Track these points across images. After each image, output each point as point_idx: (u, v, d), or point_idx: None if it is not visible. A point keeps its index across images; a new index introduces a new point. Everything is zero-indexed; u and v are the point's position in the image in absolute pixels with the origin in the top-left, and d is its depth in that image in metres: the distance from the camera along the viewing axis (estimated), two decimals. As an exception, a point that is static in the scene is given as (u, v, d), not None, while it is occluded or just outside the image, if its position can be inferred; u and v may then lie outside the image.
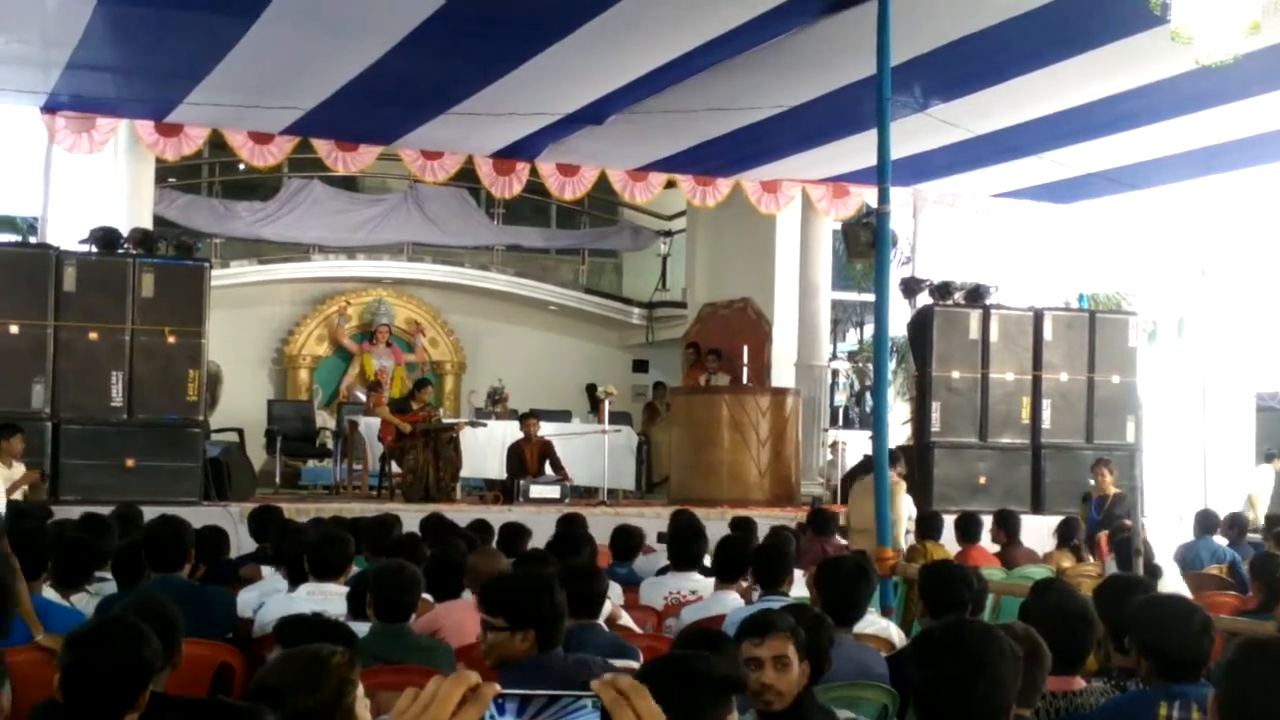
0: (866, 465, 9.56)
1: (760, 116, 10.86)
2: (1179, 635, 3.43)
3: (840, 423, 15.60)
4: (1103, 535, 8.83)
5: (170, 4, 8.77)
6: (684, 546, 6.64)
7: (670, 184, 13.42)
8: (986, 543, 8.75)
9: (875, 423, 7.74)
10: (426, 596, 5.07)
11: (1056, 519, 9.95)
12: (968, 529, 8.60)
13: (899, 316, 11.80)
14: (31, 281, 10.20)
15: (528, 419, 12.62)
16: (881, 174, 7.41)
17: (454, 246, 17.68)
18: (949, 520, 8.91)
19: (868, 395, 15.68)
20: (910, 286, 12.56)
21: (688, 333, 15.72)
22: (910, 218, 13.92)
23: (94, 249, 10.49)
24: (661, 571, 6.66)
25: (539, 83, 9.98)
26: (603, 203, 17.81)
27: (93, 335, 10.29)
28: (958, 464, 12.16)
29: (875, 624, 5.17)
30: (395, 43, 9.15)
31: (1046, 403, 12.42)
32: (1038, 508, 11.98)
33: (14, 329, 10.16)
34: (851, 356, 17.85)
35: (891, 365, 11.37)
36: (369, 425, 12.73)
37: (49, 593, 5.06)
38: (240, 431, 12.66)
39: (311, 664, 2.79)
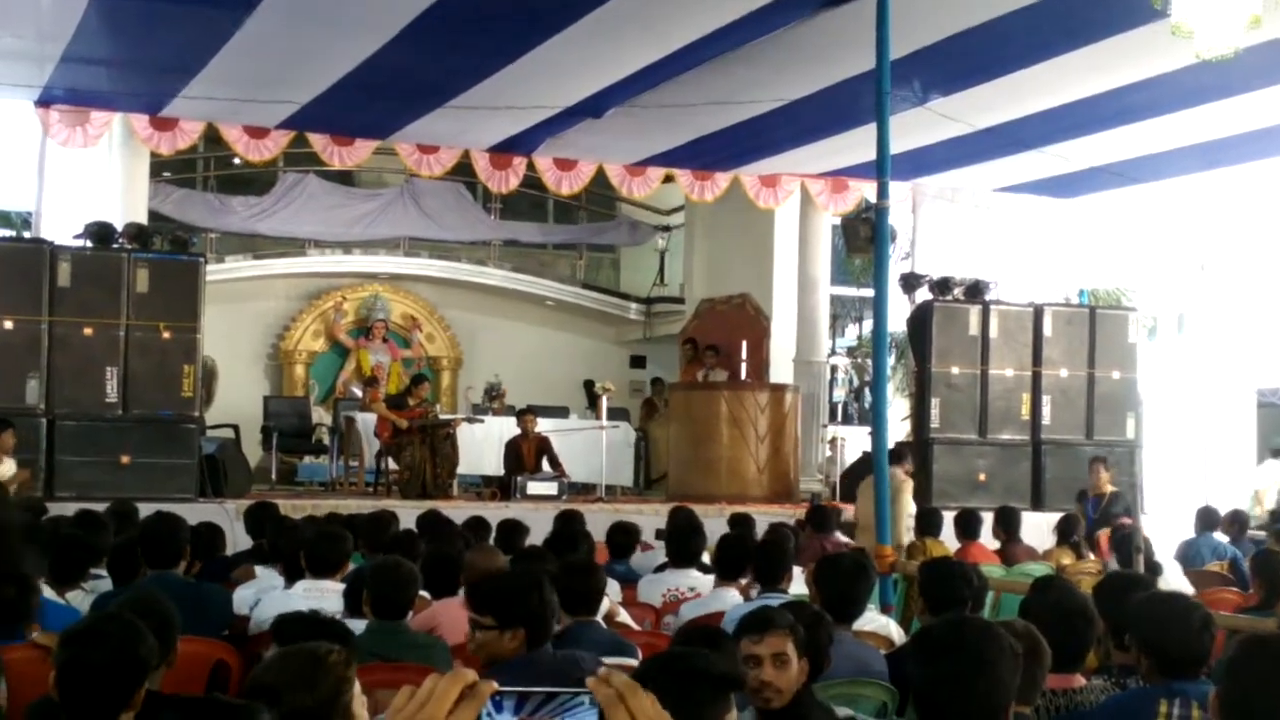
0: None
1: (759, 111, 10.83)
2: (1179, 632, 3.42)
3: (839, 419, 15.58)
4: (1103, 533, 8.83)
5: (165, -3, 8.76)
6: (682, 543, 6.63)
7: (668, 178, 13.39)
8: (986, 539, 8.73)
9: (874, 419, 7.73)
10: (423, 593, 5.05)
11: (1056, 516, 9.92)
12: (967, 526, 8.58)
13: (898, 312, 11.77)
14: (26, 276, 10.14)
15: (525, 415, 12.58)
16: (881, 168, 7.40)
17: (450, 241, 17.65)
18: (948, 517, 8.90)
19: (867, 391, 15.65)
20: (910, 282, 12.53)
21: (686, 328, 15.68)
22: (910, 212, 13.89)
23: (89, 244, 10.44)
24: (660, 568, 6.66)
25: (536, 77, 9.96)
26: (600, 197, 17.78)
27: (87, 330, 10.24)
28: (957, 460, 12.13)
29: (875, 621, 5.16)
30: (391, 36, 9.13)
31: (1046, 399, 12.39)
32: (1037, 504, 11.96)
33: (8, 324, 10.12)
34: (850, 352, 17.86)
35: (891, 361, 11.34)
36: (365, 421, 12.70)
37: (44, 590, 5.03)
38: (236, 427, 12.63)
39: (308, 662, 2.78)
